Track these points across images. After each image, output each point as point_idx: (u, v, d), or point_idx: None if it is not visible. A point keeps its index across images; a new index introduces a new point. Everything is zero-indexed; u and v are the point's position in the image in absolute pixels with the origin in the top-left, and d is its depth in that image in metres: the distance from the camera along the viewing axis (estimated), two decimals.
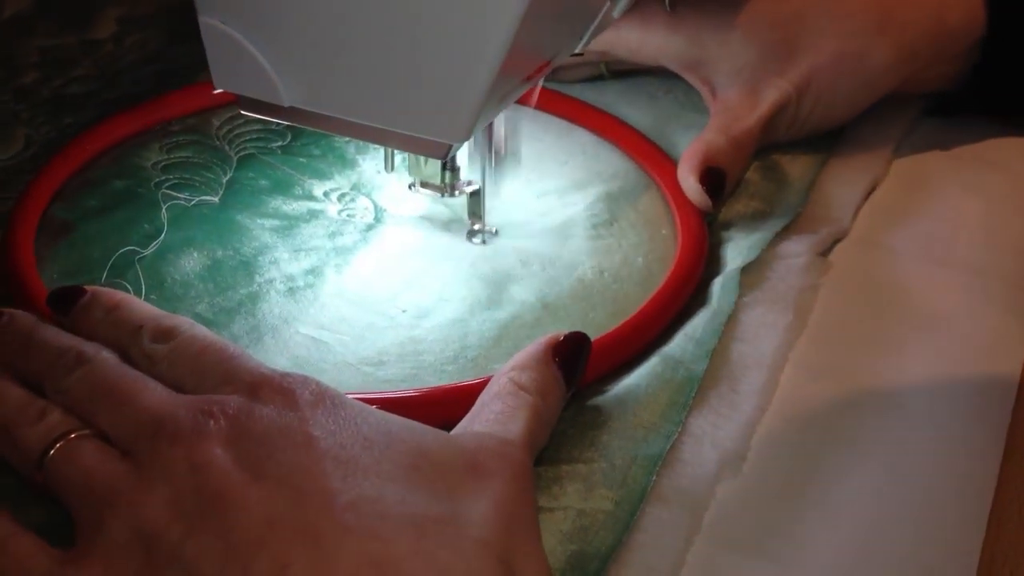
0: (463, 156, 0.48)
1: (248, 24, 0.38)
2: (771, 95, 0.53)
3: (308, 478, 0.32)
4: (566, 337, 0.39)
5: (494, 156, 0.48)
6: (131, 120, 0.55)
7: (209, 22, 0.38)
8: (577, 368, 0.39)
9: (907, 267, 0.49)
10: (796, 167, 0.54)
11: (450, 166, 0.48)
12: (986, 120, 0.58)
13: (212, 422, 0.33)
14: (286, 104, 0.39)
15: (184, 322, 0.39)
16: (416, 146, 0.39)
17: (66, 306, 0.40)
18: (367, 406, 0.36)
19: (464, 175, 0.48)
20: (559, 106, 0.58)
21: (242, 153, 0.54)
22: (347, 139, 0.55)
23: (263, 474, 0.32)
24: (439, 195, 0.49)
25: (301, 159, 0.54)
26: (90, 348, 0.38)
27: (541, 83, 0.59)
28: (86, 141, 0.53)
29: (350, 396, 0.36)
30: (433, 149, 0.39)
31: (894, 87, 0.55)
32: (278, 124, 0.57)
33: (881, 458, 0.40)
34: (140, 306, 0.41)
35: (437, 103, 0.37)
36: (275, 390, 0.35)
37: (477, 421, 0.37)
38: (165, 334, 0.38)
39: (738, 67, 0.54)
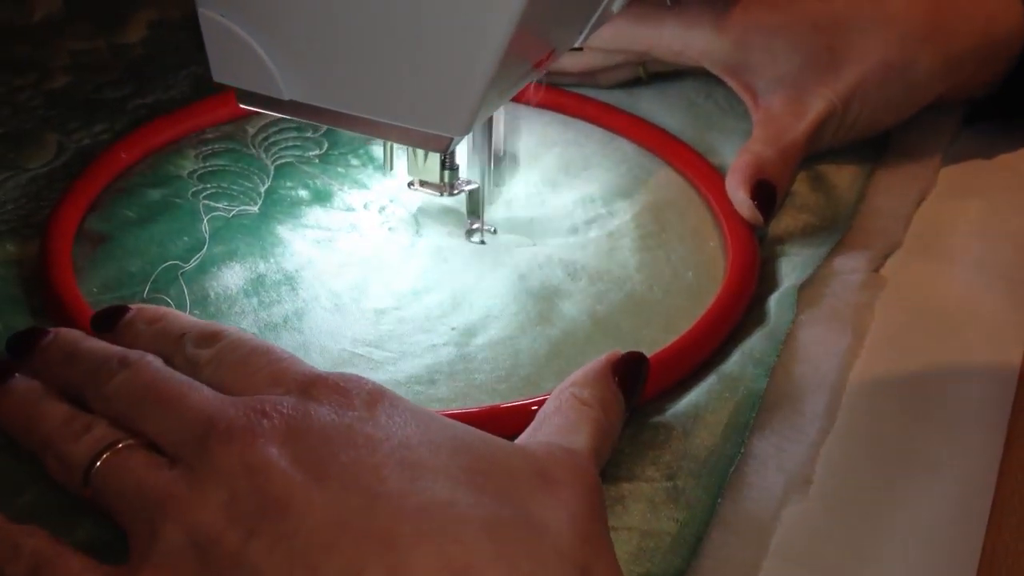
0: (462, 155, 0.47)
1: (247, 16, 0.37)
2: (817, 105, 0.52)
3: (375, 480, 0.30)
4: (625, 355, 0.38)
5: (493, 156, 0.47)
6: (166, 127, 0.54)
7: (208, 14, 0.38)
8: (636, 387, 0.38)
9: (959, 278, 0.48)
10: (843, 177, 0.53)
11: (449, 164, 0.47)
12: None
13: (266, 420, 0.32)
14: (286, 97, 0.38)
15: (229, 328, 0.38)
16: (416, 140, 0.39)
17: (110, 325, 0.39)
18: (425, 408, 0.34)
19: (463, 174, 0.47)
20: (600, 115, 0.57)
21: (279, 162, 0.54)
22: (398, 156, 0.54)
23: (325, 475, 0.30)
24: (438, 194, 0.48)
25: (339, 168, 0.53)
26: (133, 353, 0.36)
27: (568, 87, 0.59)
28: (121, 149, 0.52)
29: None
30: (433, 142, 0.39)
31: (939, 95, 0.54)
32: (315, 132, 0.56)
33: (949, 473, 0.39)
34: (183, 316, 0.40)
35: (437, 96, 0.37)
36: (330, 389, 0.33)
37: (539, 434, 0.36)
38: (209, 339, 0.37)
39: (781, 73, 0.53)
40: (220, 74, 0.39)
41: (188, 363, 0.36)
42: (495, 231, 0.49)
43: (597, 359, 0.38)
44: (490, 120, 0.47)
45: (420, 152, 0.47)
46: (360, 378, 0.34)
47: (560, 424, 0.35)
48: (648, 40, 0.55)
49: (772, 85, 0.52)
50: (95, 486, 0.33)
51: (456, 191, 0.48)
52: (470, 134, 0.47)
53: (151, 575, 0.30)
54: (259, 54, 0.38)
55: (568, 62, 0.58)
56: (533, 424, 0.36)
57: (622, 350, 0.39)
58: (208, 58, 0.39)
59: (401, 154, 0.49)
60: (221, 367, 0.36)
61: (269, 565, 0.29)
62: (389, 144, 0.49)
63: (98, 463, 0.33)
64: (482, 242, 0.49)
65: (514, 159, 0.53)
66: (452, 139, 0.39)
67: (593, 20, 0.43)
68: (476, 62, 0.35)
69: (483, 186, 0.48)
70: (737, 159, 0.50)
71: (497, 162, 0.49)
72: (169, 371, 0.35)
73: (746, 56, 0.53)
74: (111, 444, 0.33)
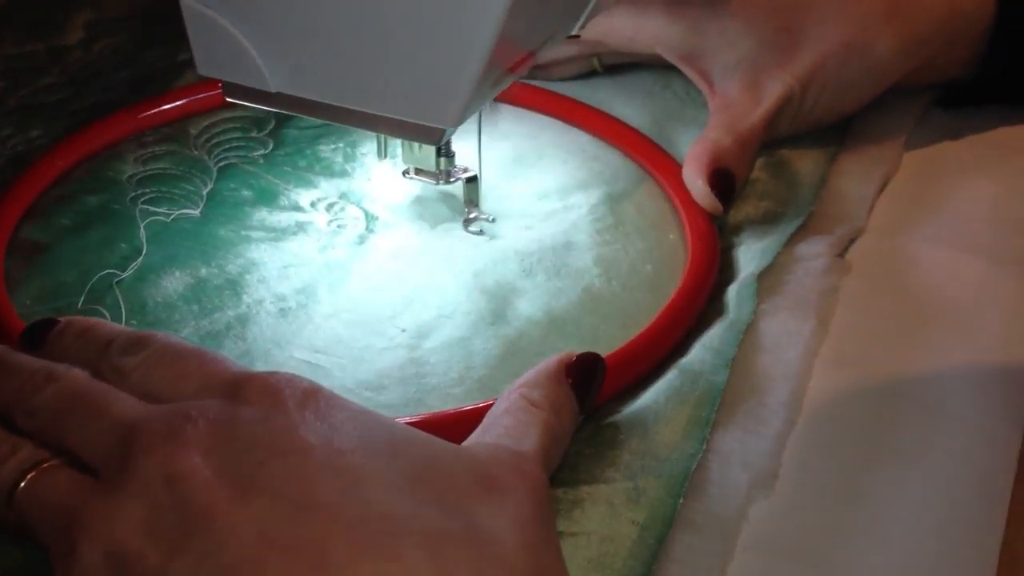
0: (458, 142, 0.46)
1: (232, 7, 0.36)
2: (775, 89, 0.50)
3: (306, 490, 0.28)
4: (580, 357, 0.37)
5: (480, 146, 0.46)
6: (104, 131, 0.52)
7: (191, 5, 0.37)
8: (590, 390, 0.37)
9: (925, 261, 0.47)
10: (805, 163, 0.52)
11: (444, 152, 0.46)
12: (997, 107, 0.55)
13: (189, 427, 0.30)
14: (273, 90, 0.37)
15: (157, 334, 0.36)
16: (408, 131, 0.38)
17: (40, 339, 0.37)
18: (363, 408, 0.32)
19: (459, 161, 0.46)
20: (554, 106, 0.55)
21: (222, 163, 0.52)
22: (333, 148, 0.52)
23: (252, 486, 0.28)
24: (434, 182, 0.46)
25: (286, 168, 0.51)
26: (59, 367, 0.34)
27: (522, 79, 0.57)
28: (56, 155, 0.50)
29: None
30: (425, 134, 0.37)
31: (902, 76, 0.53)
32: (259, 131, 0.54)
33: (918, 463, 0.37)
34: (112, 326, 0.38)
35: (429, 87, 0.36)
36: (259, 390, 0.31)
37: (487, 435, 0.34)
38: (136, 345, 0.35)
39: (738, 58, 0.51)
40: (205, 67, 0.38)
41: (115, 372, 0.34)
42: (493, 220, 0.48)
43: (550, 359, 0.37)
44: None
45: None
46: (293, 377, 0.32)
47: (509, 426, 0.34)
48: (599, 28, 0.53)
49: (728, 71, 0.51)
50: (18, 509, 0.31)
51: (452, 179, 0.47)
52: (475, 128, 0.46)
53: None
54: (245, 46, 0.37)
55: None
56: (482, 425, 0.35)
57: (577, 350, 0.38)
58: (192, 51, 0.38)
59: (395, 141, 0.47)
60: (148, 374, 0.34)
61: None
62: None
63: (22, 484, 0.31)
64: (480, 232, 0.47)
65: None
66: (444, 131, 0.37)
67: (590, 7, 0.41)
68: (469, 52, 0.34)
69: (481, 173, 0.47)
70: (693, 147, 0.48)
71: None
72: (93, 382, 0.33)
73: (700, 41, 0.51)
74: (35, 464, 0.32)
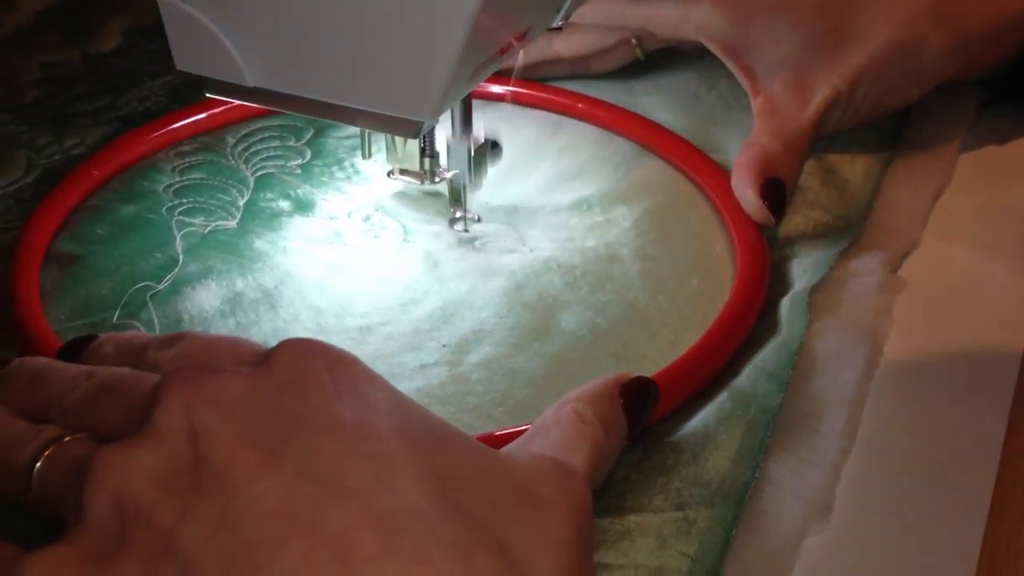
0: (442, 142, 0.45)
1: (209, 4, 0.35)
2: (822, 91, 0.48)
3: (336, 470, 0.26)
4: (635, 379, 0.35)
5: (472, 144, 0.45)
6: (140, 141, 0.52)
7: (167, 1, 0.36)
8: (642, 414, 0.35)
9: (985, 275, 0.46)
10: (856, 170, 0.50)
11: (429, 152, 0.45)
12: None
13: (219, 380, 0.28)
14: (250, 84, 0.37)
15: (193, 331, 0.35)
16: (386, 125, 0.37)
17: (76, 355, 0.37)
18: (401, 393, 0.30)
19: (444, 161, 0.45)
20: (595, 113, 0.54)
21: (260, 173, 0.51)
22: (371, 159, 0.51)
23: (279, 456, 0.26)
24: (419, 183, 0.46)
25: (323, 178, 0.50)
26: (99, 368, 0.33)
27: (561, 80, 0.56)
28: (92, 166, 0.50)
29: None
30: (403, 127, 0.37)
31: (948, 77, 0.52)
32: (297, 140, 0.53)
33: (981, 490, 0.36)
34: (148, 335, 0.37)
35: (404, 78, 0.35)
36: (292, 355, 0.29)
37: (533, 445, 0.33)
38: (171, 341, 0.34)
39: (784, 55, 0.49)
40: (183, 62, 0.37)
41: (150, 368, 0.33)
42: (479, 219, 0.47)
43: (604, 376, 0.35)
44: (469, 107, 0.45)
45: (399, 139, 0.45)
46: (327, 345, 0.30)
47: (557, 438, 0.32)
48: (643, 14, 0.52)
49: (773, 68, 0.49)
50: (37, 484, 0.30)
51: (437, 179, 0.46)
52: (449, 122, 0.45)
53: (68, 548, 0.26)
54: (221, 40, 0.36)
55: (560, 46, 0.55)
56: (527, 434, 0.33)
57: (623, 369, 0.36)
58: (170, 47, 0.37)
59: (380, 142, 0.47)
60: (182, 362, 0.32)
61: (205, 557, 0.25)
62: (366, 131, 0.47)
63: (40, 461, 0.30)
64: (465, 230, 0.46)
65: (497, 147, 0.50)
66: (422, 123, 0.36)
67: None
68: (442, 42, 0.33)
69: (465, 174, 0.46)
70: (741, 154, 0.47)
71: (480, 150, 0.46)
72: (128, 371, 0.32)
73: (746, 34, 0.50)
74: (56, 440, 0.30)
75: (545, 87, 0.55)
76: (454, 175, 0.46)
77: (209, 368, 0.29)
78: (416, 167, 0.46)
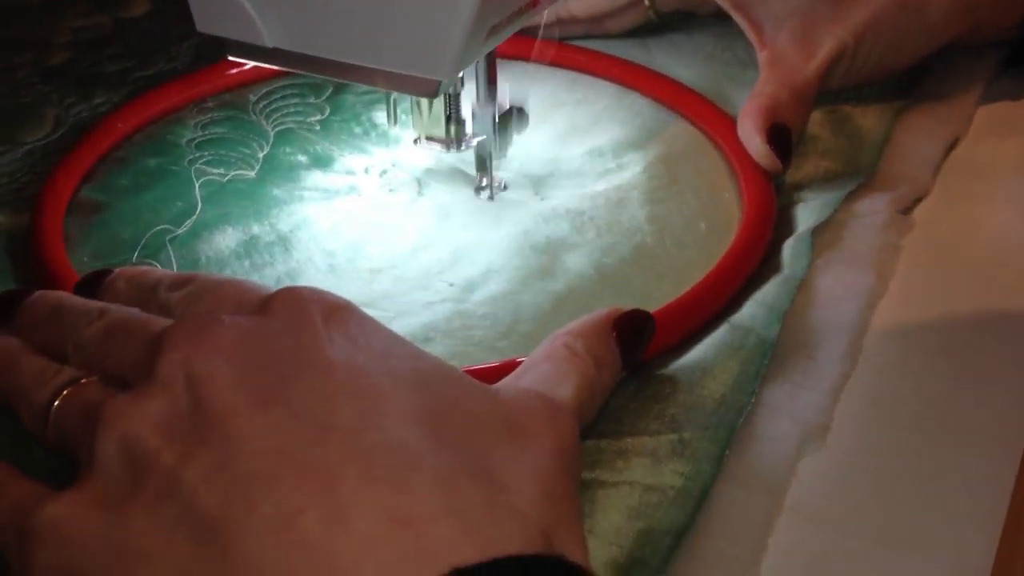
0: (468, 109, 0.46)
1: None
2: (828, 43, 0.49)
3: (326, 410, 0.28)
4: (629, 312, 0.36)
5: (497, 111, 0.45)
6: (163, 97, 0.53)
7: None
8: (637, 346, 0.36)
9: (995, 222, 0.46)
10: (869, 119, 0.51)
11: (455, 118, 0.45)
12: None
13: (217, 330, 0.29)
14: (269, 45, 0.37)
15: (201, 273, 0.36)
16: (403, 84, 0.37)
17: (94, 288, 0.38)
18: (396, 335, 0.32)
19: (469, 128, 0.46)
20: (610, 69, 0.55)
21: (280, 128, 0.52)
22: (403, 111, 0.52)
23: (272, 398, 0.28)
24: (445, 149, 0.46)
25: (342, 135, 0.52)
26: (111, 305, 0.35)
27: (576, 40, 0.57)
28: (116, 120, 0.51)
29: None
30: (421, 87, 0.37)
31: (957, 35, 0.52)
32: (317, 97, 0.54)
33: (977, 428, 0.36)
34: (161, 271, 0.38)
35: (420, 38, 0.35)
36: (287, 303, 0.31)
37: (523, 380, 0.33)
38: (180, 282, 0.35)
39: (790, 8, 0.50)
40: (204, 24, 0.38)
41: (161, 308, 0.34)
42: (506, 187, 0.47)
43: (598, 312, 0.36)
44: (494, 72, 0.45)
45: (424, 106, 0.45)
46: (322, 292, 0.32)
47: (547, 372, 0.33)
48: None
49: (780, 21, 0.49)
50: (54, 424, 0.32)
51: (464, 146, 0.46)
52: (474, 88, 0.45)
53: (80, 494, 0.28)
54: (240, 2, 0.37)
55: (575, 6, 0.56)
56: (519, 369, 0.34)
57: (628, 307, 0.37)
58: (190, 8, 0.38)
59: (407, 108, 0.47)
60: (190, 305, 0.34)
61: (205, 494, 0.26)
62: (392, 97, 0.48)
63: (57, 401, 0.32)
64: (491, 198, 0.47)
65: (523, 114, 0.50)
66: (440, 83, 0.37)
67: None
68: (458, 2, 0.33)
69: (491, 141, 0.46)
70: (748, 103, 0.47)
71: (505, 118, 0.47)
72: (139, 313, 0.34)
73: None
74: (73, 381, 0.32)
75: (565, 46, 0.56)
76: (480, 142, 0.46)
77: (208, 319, 0.30)
78: (442, 134, 0.46)
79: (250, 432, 0.27)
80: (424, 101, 0.45)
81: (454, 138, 0.46)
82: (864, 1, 0.49)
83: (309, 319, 0.30)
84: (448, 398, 0.30)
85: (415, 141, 0.47)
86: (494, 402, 0.30)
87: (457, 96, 0.45)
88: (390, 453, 0.27)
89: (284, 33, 0.37)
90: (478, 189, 0.47)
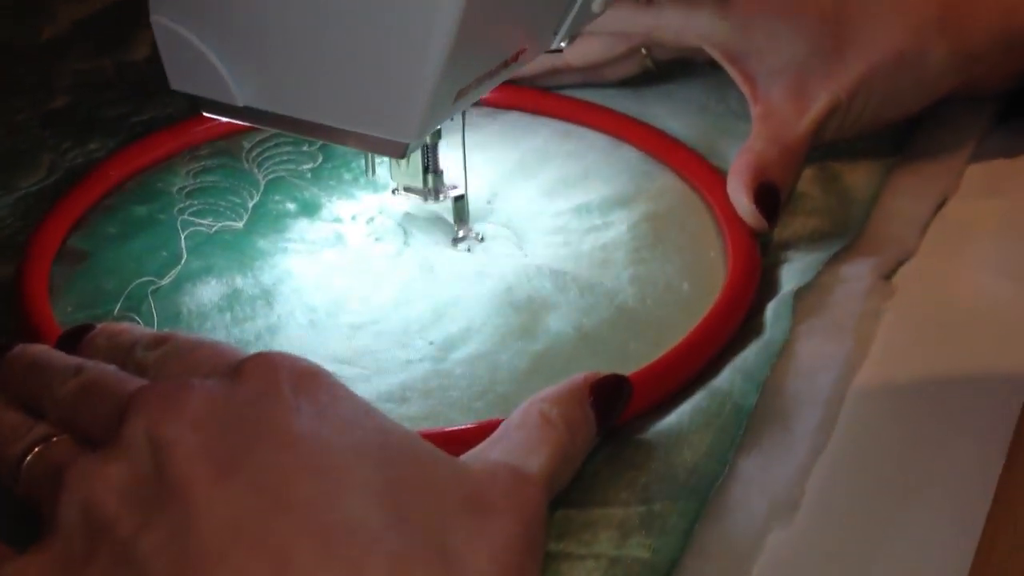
0: (445, 159, 0.46)
1: (199, 23, 0.36)
2: (822, 98, 0.49)
3: (285, 484, 0.28)
4: (605, 377, 0.36)
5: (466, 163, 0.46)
6: (156, 144, 0.53)
7: (161, 21, 0.37)
8: (613, 411, 0.36)
9: (978, 284, 0.45)
10: (858, 177, 0.50)
11: (432, 169, 0.46)
12: None
13: (184, 396, 0.30)
14: (240, 104, 0.37)
15: (179, 332, 0.36)
16: (373, 145, 0.37)
17: (75, 343, 0.38)
18: (365, 404, 0.32)
19: (447, 179, 0.46)
20: (604, 121, 0.55)
21: (271, 176, 0.52)
22: (380, 162, 0.52)
23: (234, 469, 0.28)
24: (422, 200, 0.47)
25: (331, 182, 0.52)
26: (88, 362, 0.35)
27: (573, 89, 0.57)
28: (108, 168, 0.51)
29: None
30: (389, 148, 0.37)
31: (953, 89, 0.51)
32: (310, 146, 0.55)
33: (946, 498, 0.35)
34: (141, 329, 0.38)
35: (385, 100, 0.35)
36: (257, 369, 0.31)
37: (495, 449, 0.33)
38: (158, 342, 0.36)
39: (784, 62, 0.50)
40: (176, 82, 0.38)
41: (137, 367, 0.35)
42: (482, 239, 0.47)
43: (574, 377, 0.36)
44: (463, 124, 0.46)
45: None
46: (293, 357, 0.32)
47: (520, 441, 0.33)
48: (648, 21, 0.52)
49: (773, 75, 0.49)
50: (24, 479, 0.32)
51: (441, 196, 0.46)
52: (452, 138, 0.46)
53: (39, 555, 0.28)
54: (212, 61, 0.37)
55: (570, 56, 0.56)
56: (493, 435, 0.34)
57: (606, 368, 0.37)
58: (164, 66, 0.38)
59: (384, 159, 0.47)
60: (164, 365, 0.34)
61: (157, 566, 0.26)
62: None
63: (29, 457, 0.32)
64: (468, 250, 0.47)
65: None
66: (407, 144, 0.37)
67: (569, 20, 0.41)
68: (421, 63, 0.34)
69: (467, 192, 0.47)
70: (737, 160, 0.47)
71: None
72: (115, 372, 0.34)
73: (748, 40, 0.50)
74: (45, 438, 0.32)
75: (552, 95, 0.56)
76: (457, 194, 0.47)
77: (176, 384, 0.31)
78: (419, 185, 0.47)
79: (207, 504, 0.27)
80: None
81: (431, 189, 0.46)
82: (860, 55, 0.49)
83: (277, 388, 0.30)
84: (411, 473, 0.30)
85: (393, 191, 0.48)
86: (458, 477, 0.30)
87: (435, 147, 0.46)
88: (347, 532, 0.27)
89: (255, 92, 0.37)
90: (455, 240, 0.48)
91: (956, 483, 0.36)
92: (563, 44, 0.43)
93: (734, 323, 0.42)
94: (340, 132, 0.37)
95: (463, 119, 0.46)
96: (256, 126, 0.39)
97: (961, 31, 0.49)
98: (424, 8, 0.32)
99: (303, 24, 0.35)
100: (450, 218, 0.48)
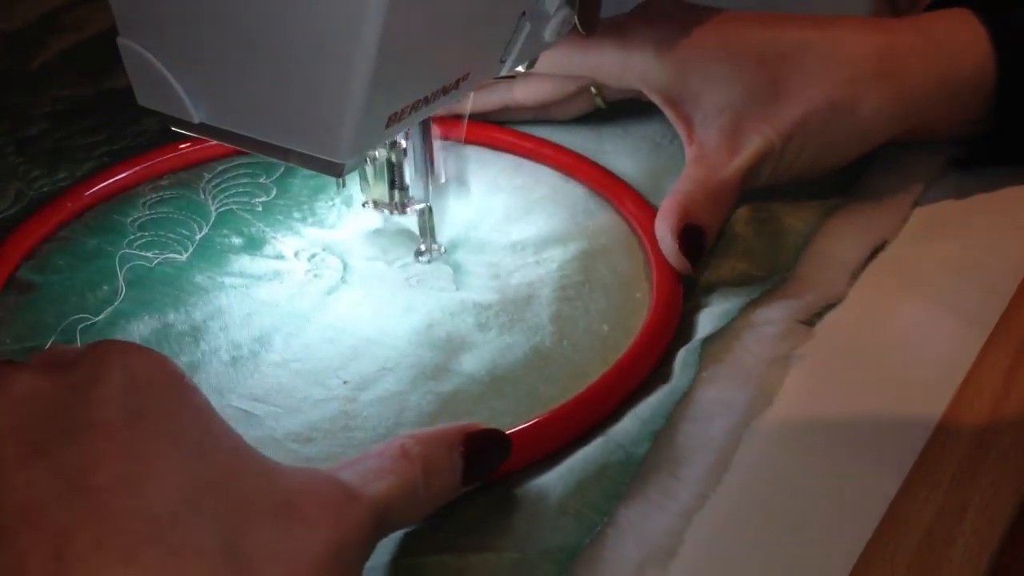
0: (411, 176, 0.48)
1: (159, 46, 0.38)
2: (754, 142, 0.49)
3: (86, 470, 0.28)
4: (483, 431, 0.36)
5: (430, 180, 0.48)
6: (118, 174, 0.55)
7: (127, 43, 0.39)
8: (482, 467, 0.36)
9: (910, 331, 0.45)
10: (796, 219, 0.50)
11: (398, 184, 0.48)
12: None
13: (14, 379, 0.30)
14: (196, 121, 0.39)
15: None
16: (312, 164, 0.38)
17: None
18: (199, 401, 0.32)
19: (412, 194, 0.48)
20: (552, 156, 0.56)
21: (222, 208, 0.54)
22: (330, 202, 0.54)
23: (41, 452, 0.28)
24: (389, 213, 0.48)
25: (279, 216, 0.53)
26: None
27: (524, 124, 0.58)
28: (68, 199, 0.53)
29: None
30: (327, 167, 0.38)
31: (894, 136, 0.51)
32: (267, 177, 0.56)
33: (832, 543, 0.36)
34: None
35: (319, 119, 0.37)
36: (96, 356, 0.31)
37: (345, 470, 0.33)
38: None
39: (720, 106, 0.50)
40: (143, 97, 0.41)
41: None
42: (444, 250, 0.49)
43: (454, 424, 0.37)
44: (430, 144, 0.48)
45: (370, 172, 0.48)
46: (139, 350, 0.32)
47: (370, 466, 0.33)
48: (589, 64, 0.53)
49: (709, 118, 0.50)
50: None
51: (407, 210, 0.48)
52: (412, 157, 0.47)
53: None
54: (170, 81, 0.39)
55: (520, 94, 0.57)
56: (351, 459, 0.34)
57: (510, 414, 0.37)
58: (131, 84, 0.40)
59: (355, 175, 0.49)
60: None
61: None
62: None
63: None
64: (428, 262, 0.49)
65: (463, 185, 0.52)
66: (344, 164, 0.38)
67: (516, 48, 0.41)
68: (346, 84, 0.35)
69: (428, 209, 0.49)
70: (665, 201, 0.48)
71: (436, 186, 0.49)
72: None
73: (685, 84, 0.50)
74: None
75: (503, 129, 0.57)
76: (423, 208, 0.48)
77: (7, 368, 0.31)
78: (386, 199, 0.48)
79: (9, 485, 0.28)
80: (370, 167, 0.48)
81: (398, 203, 0.48)
82: (795, 100, 0.49)
83: (107, 376, 0.30)
84: (224, 470, 0.30)
85: (363, 204, 0.50)
86: (272, 480, 0.30)
87: (400, 165, 0.47)
88: (135, 521, 0.27)
89: (208, 109, 0.39)
90: (417, 253, 0.49)
91: (838, 528, 0.36)
92: (520, 69, 0.44)
93: (642, 371, 0.42)
94: (284, 149, 0.38)
95: (429, 138, 0.47)
96: (214, 140, 0.40)
97: (898, 80, 0.49)
98: (347, 31, 0.34)
99: (241, 44, 0.36)
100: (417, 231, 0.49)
